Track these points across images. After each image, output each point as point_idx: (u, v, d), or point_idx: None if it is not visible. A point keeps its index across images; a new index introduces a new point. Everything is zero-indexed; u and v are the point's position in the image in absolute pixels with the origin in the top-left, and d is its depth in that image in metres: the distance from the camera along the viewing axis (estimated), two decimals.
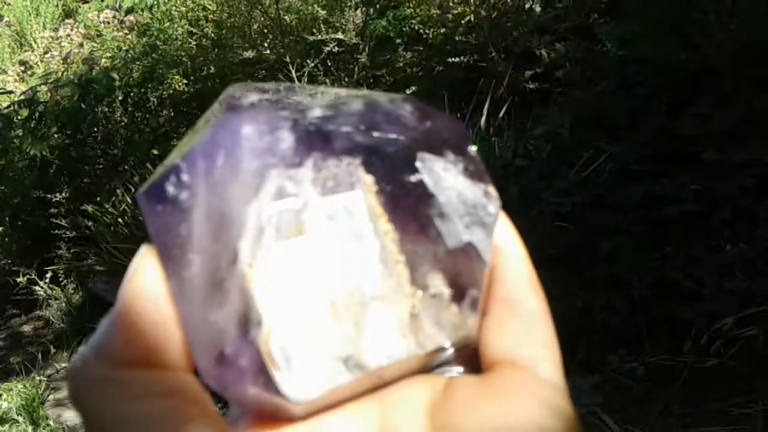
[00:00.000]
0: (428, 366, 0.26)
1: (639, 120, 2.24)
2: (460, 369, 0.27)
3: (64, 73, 4.13)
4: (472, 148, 0.27)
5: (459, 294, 0.26)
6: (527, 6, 2.97)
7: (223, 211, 0.23)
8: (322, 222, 0.25)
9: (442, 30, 3.20)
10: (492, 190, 0.27)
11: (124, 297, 0.23)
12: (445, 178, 0.26)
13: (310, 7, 3.57)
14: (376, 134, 0.26)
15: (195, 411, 0.22)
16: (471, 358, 0.27)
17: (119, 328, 0.23)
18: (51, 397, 2.99)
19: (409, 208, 0.26)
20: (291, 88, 0.28)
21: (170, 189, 0.23)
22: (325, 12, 3.54)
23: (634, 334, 1.97)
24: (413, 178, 0.26)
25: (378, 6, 3.41)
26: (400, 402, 0.25)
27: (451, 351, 0.26)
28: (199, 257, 0.23)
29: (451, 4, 3.17)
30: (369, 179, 0.26)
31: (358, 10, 3.50)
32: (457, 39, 3.03)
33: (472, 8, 3.03)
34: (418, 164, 0.26)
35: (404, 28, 3.31)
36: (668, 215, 2.00)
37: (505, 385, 0.24)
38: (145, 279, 0.23)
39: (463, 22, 3.05)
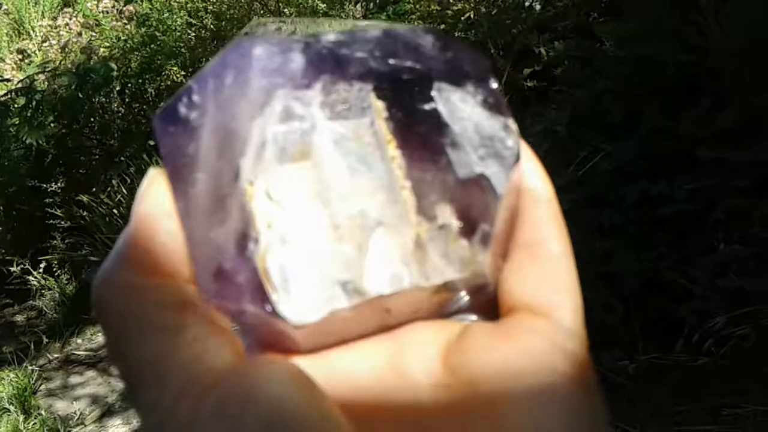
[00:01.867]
0: (442, 312, 0.26)
1: (637, 119, 2.24)
2: (476, 317, 0.26)
3: (62, 62, 4.11)
4: (494, 82, 0.26)
5: (469, 227, 0.25)
6: (527, 4, 2.96)
7: (229, 128, 0.23)
8: (328, 145, 0.24)
9: (442, 26, 3.20)
10: (512, 123, 0.26)
11: (136, 217, 0.23)
12: (462, 108, 0.25)
13: (309, 1, 3.56)
14: (391, 61, 0.25)
15: (211, 327, 0.22)
16: (488, 307, 0.26)
17: (135, 242, 0.23)
18: (43, 387, 2.98)
19: (420, 135, 0.25)
20: (313, 20, 0.28)
21: (182, 110, 0.24)
22: (324, 5, 3.53)
23: (627, 333, 1.97)
24: (427, 107, 0.25)
25: (378, 1, 3.40)
26: (412, 342, 0.24)
27: (465, 297, 0.25)
28: (204, 175, 0.23)
29: (451, 0, 3.17)
30: (380, 105, 0.25)
31: (358, 5, 3.50)
32: (456, 35, 3.03)
33: (472, 5, 3.02)
34: (433, 93, 0.25)
35: (404, 23, 3.31)
36: (663, 215, 2.01)
37: (520, 330, 0.24)
38: (154, 198, 0.23)
39: (462, 18, 3.04)
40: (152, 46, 3.87)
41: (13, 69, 4.61)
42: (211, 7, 3.99)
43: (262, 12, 3.84)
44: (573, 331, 0.24)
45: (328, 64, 0.24)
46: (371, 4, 3.38)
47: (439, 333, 0.25)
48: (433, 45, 0.26)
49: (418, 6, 3.28)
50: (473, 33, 2.96)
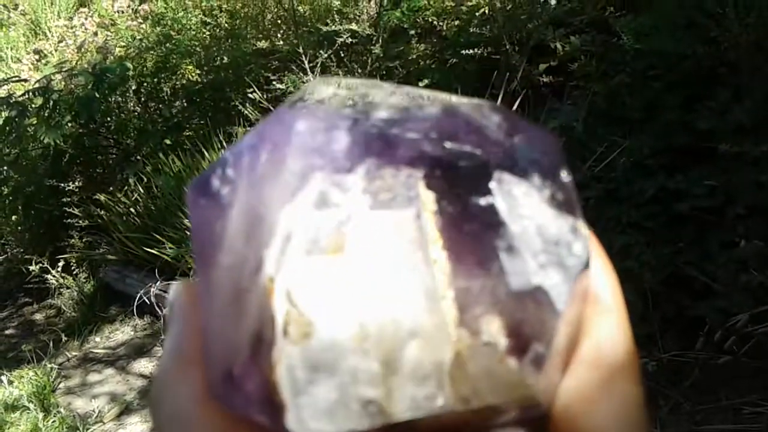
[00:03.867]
0: (482, 426, 0.22)
1: (654, 114, 2.21)
2: None
3: (78, 62, 4.14)
4: (565, 174, 0.23)
5: (519, 347, 0.21)
6: None
7: (257, 212, 0.21)
8: (364, 239, 0.21)
9: (456, 22, 3.18)
10: (582, 226, 0.23)
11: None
12: (524, 204, 0.22)
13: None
14: (448, 145, 0.22)
15: None
16: (538, 422, 0.23)
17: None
18: (62, 384, 3.01)
19: (471, 235, 0.22)
20: (374, 84, 0.25)
21: (215, 182, 0.22)
22: (338, 2, 3.52)
23: (646, 330, 1.95)
24: (483, 201, 0.22)
25: None
26: None
27: (513, 413, 0.22)
28: (228, 259, 0.21)
29: None
30: (429, 196, 0.22)
31: (372, 1, 3.49)
32: (471, 31, 3.01)
33: (487, 0, 3.00)
34: (492, 185, 0.22)
35: (418, 20, 3.29)
36: (682, 210, 1.98)
37: None
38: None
39: (477, 14, 3.02)
40: (167, 45, 3.88)
41: (30, 69, 4.65)
42: (225, 6, 4.00)
43: (276, 10, 3.84)
44: None
45: (375, 145, 0.22)
46: (385, 1, 3.37)
47: None
48: (499, 127, 0.23)
49: (432, 2, 3.26)
50: (488, 29, 2.94)
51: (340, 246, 0.21)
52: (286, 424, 0.20)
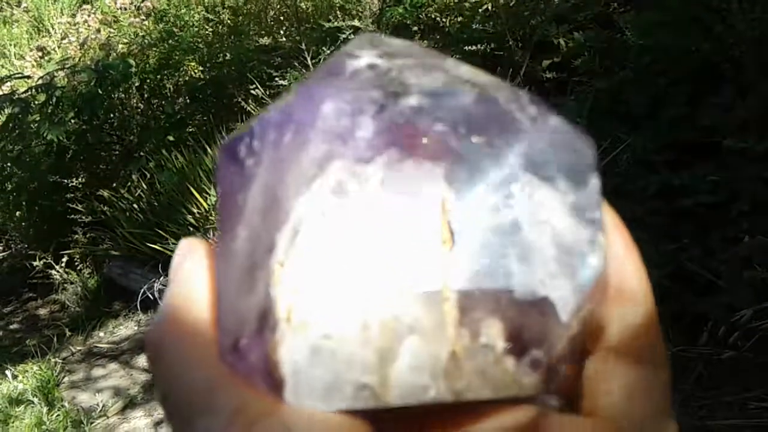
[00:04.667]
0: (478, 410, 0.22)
1: (658, 110, 2.21)
2: (556, 401, 0.23)
3: (81, 59, 4.15)
4: (594, 180, 0.23)
5: (518, 350, 0.21)
6: None
7: (275, 194, 0.21)
8: (376, 233, 0.21)
9: (459, 18, 3.18)
10: (601, 239, 0.22)
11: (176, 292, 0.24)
12: (545, 210, 0.22)
13: None
14: (475, 140, 0.22)
15: None
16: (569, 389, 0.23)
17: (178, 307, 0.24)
18: (66, 379, 3.02)
19: (485, 239, 0.22)
20: (415, 54, 0.24)
21: (242, 151, 0.22)
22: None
23: None
24: (503, 205, 0.22)
25: None
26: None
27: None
28: (245, 233, 0.22)
29: None
30: (448, 195, 0.22)
31: None
32: (474, 27, 3.01)
33: None
34: (514, 187, 0.22)
35: (421, 16, 3.29)
36: (686, 206, 1.98)
37: None
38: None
39: (480, 10, 3.02)
40: (170, 41, 3.89)
41: (33, 66, 4.66)
42: (228, 3, 4.00)
43: (278, 7, 3.84)
44: None
45: (399, 135, 0.21)
46: None
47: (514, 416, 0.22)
48: (534, 120, 0.22)
49: None
50: (491, 25, 2.94)
51: (350, 237, 0.21)
52: (284, 397, 0.21)
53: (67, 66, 3.86)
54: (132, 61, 3.76)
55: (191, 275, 0.24)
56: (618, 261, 0.23)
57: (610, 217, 0.24)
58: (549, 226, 0.22)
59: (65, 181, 3.73)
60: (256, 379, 0.21)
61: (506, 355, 0.21)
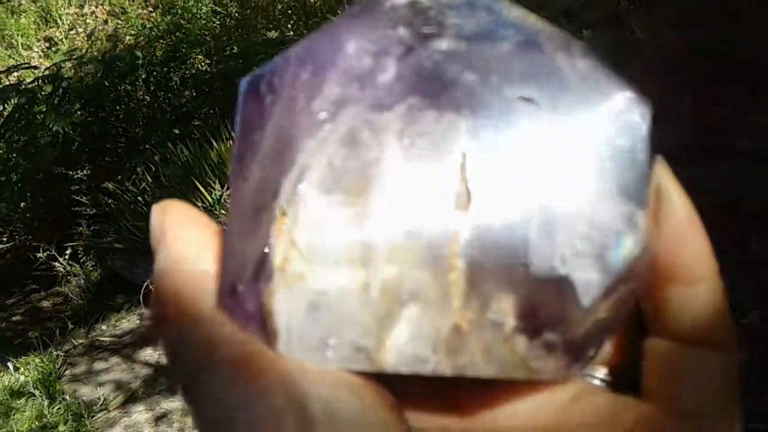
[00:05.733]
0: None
1: (668, 110, 2.19)
2: (604, 374, 0.22)
3: (89, 50, 4.15)
4: (642, 153, 0.20)
5: (531, 329, 0.19)
6: None
7: (287, 134, 0.20)
8: (389, 188, 0.19)
9: None
10: (642, 220, 0.20)
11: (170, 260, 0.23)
12: (579, 179, 0.20)
13: None
14: (508, 93, 0.20)
15: None
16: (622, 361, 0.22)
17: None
18: (68, 372, 3.01)
19: (506, 204, 0.20)
20: None
21: (262, 87, 0.21)
22: None
23: None
24: (530, 167, 0.19)
25: None
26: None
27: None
28: (258, 172, 0.20)
29: None
30: (468, 151, 0.19)
31: None
32: None
33: None
34: (544, 149, 0.19)
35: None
36: (695, 206, 1.97)
37: None
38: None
39: None
40: (177, 34, 3.88)
41: (40, 57, 4.66)
42: None
43: (286, 0, 3.82)
44: None
45: (423, 82, 0.20)
46: None
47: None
48: (582, 79, 0.20)
49: None
50: None
51: (361, 190, 0.19)
52: (277, 349, 0.20)
53: (74, 57, 3.86)
54: (139, 53, 3.75)
55: (178, 238, 0.22)
56: (677, 236, 0.21)
57: (672, 186, 0.21)
58: (582, 197, 0.19)
59: (70, 172, 3.73)
60: (251, 327, 0.20)
61: (516, 334, 0.19)
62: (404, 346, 0.19)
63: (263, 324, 0.20)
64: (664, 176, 0.21)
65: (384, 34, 0.20)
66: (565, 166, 0.20)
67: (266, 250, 0.20)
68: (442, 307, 0.19)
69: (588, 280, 0.19)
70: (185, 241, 0.22)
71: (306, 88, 0.20)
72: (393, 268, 0.19)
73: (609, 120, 0.20)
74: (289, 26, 3.73)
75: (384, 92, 0.20)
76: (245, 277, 0.20)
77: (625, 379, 0.22)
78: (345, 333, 0.19)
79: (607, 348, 0.21)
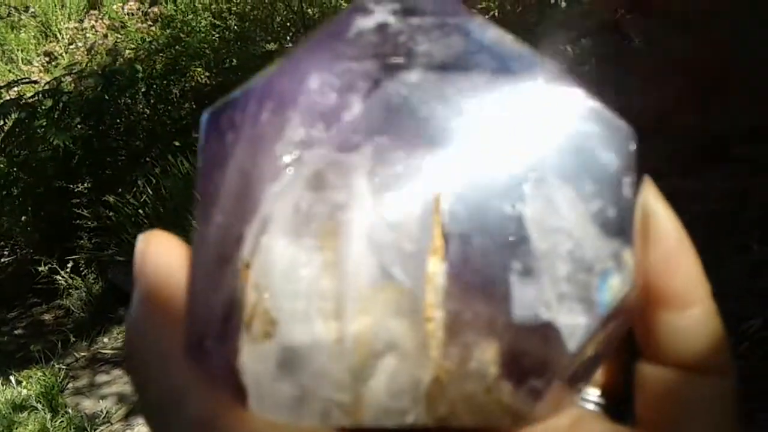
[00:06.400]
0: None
1: (667, 116, 2.20)
2: (597, 396, 0.21)
3: (88, 64, 4.16)
4: (628, 184, 0.19)
5: (516, 377, 0.18)
6: (553, 1, 2.93)
7: (249, 179, 0.19)
8: (357, 235, 0.18)
9: None
10: (629, 257, 0.19)
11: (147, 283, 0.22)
12: (563, 216, 0.18)
13: (333, 0, 3.56)
14: (481, 126, 0.19)
15: None
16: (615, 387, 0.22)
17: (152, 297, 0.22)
18: (70, 385, 3.01)
19: (482, 249, 0.18)
20: (448, 7, 0.20)
21: (223, 123, 0.20)
22: (347, 5, 3.53)
23: None
24: (508, 207, 0.18)
25: None
26: None
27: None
28: (219, 217, 0.19)
29: None
30: (443, 193, 0.18)
31: None
32: None
33: (497, 3, 3.00)
34: (526, 187, 0.18)
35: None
36: (695, 213, 1.97)
37: None
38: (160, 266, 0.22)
39: (486, 16, 3.02)
40: (177, 47, 3.89)
41: (40, 71, 4.68)
42: (234, 9, 4.01)
43: (285, 13, 3.84)
44: None
45: (393, 119, 0.19)
46: None
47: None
48: (557, 107, 0.19)
49: None
50: None
51: (330, 236, 0.18)
52: (248, 406, 0.19)
53: (74, 71, 3.88)
54: (139, 67, 3.77)
55: (158, 268, 0.22)
56: (667, 260, 0.20)
57: (659, 207, 0.21)
58: (565, 235, 0.18)
59: (71, 186, 3.73)
60: (219, 384, 0.19)
61: (500, 382, 0.18)
62: (382, 399, 0.18)
63: (233, 381, 0.19)
64: (652, 196, 0.21)
65: (349, 68, 0.19)
66: (545, 201, 0.19)
67: (231, 305, 0.19)
68: (419, 357, 0.18)
69: (574, 325, 0.18)
70: (165, 274, 0.21)
71: (268, 128, 0.19)
72: (366, 318, 0.18)
73: (589, 149, 0.19)
74: (288, 38, 3.75)
75: (350, 131, 0.19)
76: (211, 333, 0.19)
77: (617, 400, 0.22)
78: (319, 389, 0.18)
79: (598, 372, 0.21)
